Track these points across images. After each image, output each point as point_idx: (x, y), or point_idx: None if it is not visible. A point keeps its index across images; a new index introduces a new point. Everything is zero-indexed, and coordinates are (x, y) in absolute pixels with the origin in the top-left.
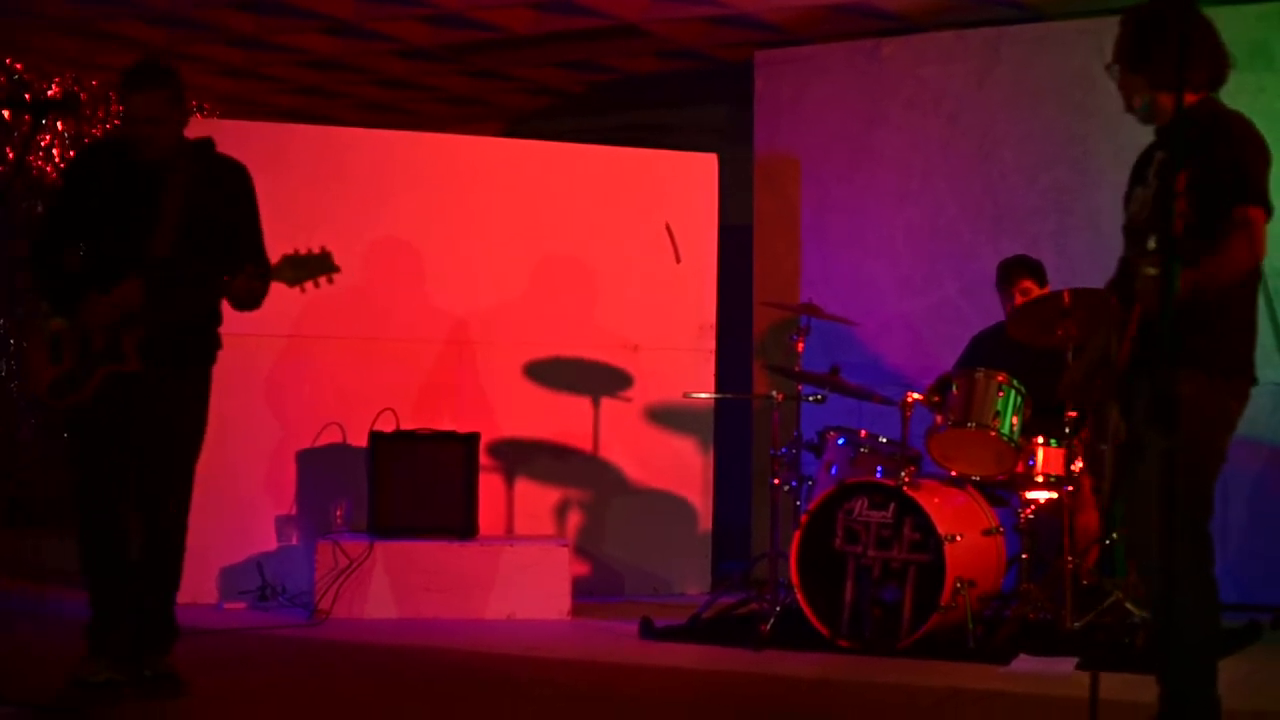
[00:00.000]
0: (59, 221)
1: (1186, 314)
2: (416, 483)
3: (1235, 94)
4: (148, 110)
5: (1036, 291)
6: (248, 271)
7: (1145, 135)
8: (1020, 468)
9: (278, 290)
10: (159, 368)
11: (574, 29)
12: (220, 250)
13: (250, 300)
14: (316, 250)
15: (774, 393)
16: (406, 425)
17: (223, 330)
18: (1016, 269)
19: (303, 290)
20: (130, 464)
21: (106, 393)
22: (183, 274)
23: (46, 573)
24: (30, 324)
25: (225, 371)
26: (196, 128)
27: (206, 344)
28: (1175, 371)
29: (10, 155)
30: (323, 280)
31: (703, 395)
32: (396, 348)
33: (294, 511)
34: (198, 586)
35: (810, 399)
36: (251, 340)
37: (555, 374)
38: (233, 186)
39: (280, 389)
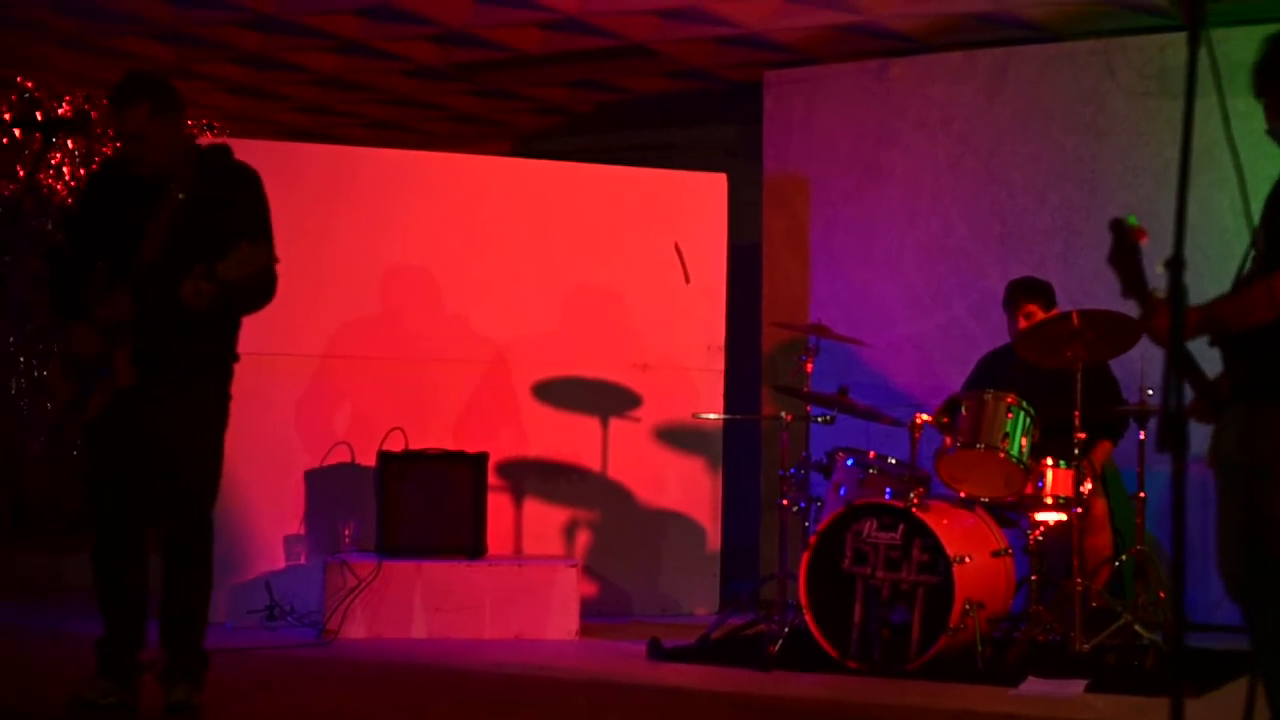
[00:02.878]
0: (70, 242)
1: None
2: (425, 502)
3: (1247, 117)
4: (130, 126)
5: (1041, 314)
6: (194, 273)
7: (1154, 157)
8: (1029, 489)
9: (284, 309)
10: (157, 380)
11: (583, 49)
12: (214, 259)
13: (199, 301)
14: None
15: (783, 413)
16: (415, 445)
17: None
18: (1021, 292)
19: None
20: (143, 484)
21: (113, 409)
22: (173, 285)
23: (54, 587)
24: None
25: (233, 390)
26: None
27: (209, 354)
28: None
29: (21, 173)
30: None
31: (711, 416)
32: (404, 367)
33: (302, 531)
34: None
35: (819, 420)
36: (258, 359)
37: (564, 394)
38: (233, 193)
39: (288, 408)
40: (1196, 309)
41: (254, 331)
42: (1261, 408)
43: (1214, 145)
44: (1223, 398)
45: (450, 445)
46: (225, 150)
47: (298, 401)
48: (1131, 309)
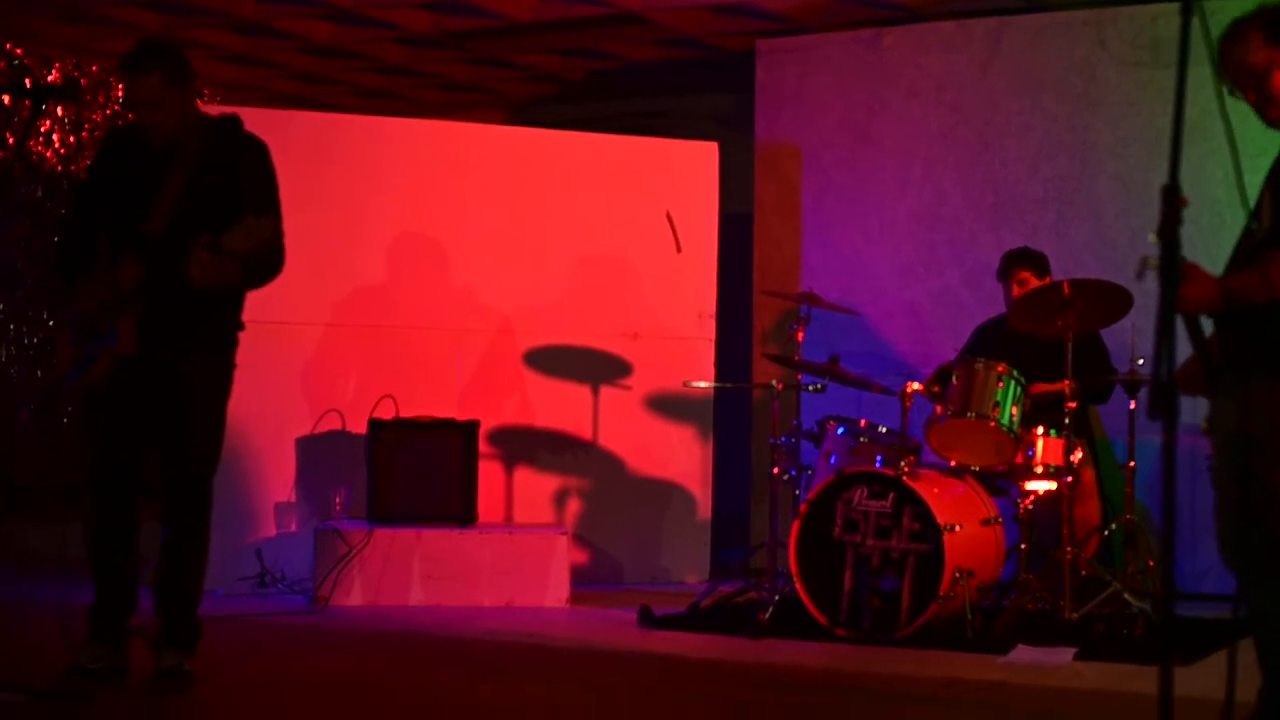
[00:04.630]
0: (79, 207)
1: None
2: (416, 470)
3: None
4: (142, 94)
5: (1035, 283)
6: (199, 243)
7: (1145, 127)
8: (1020, 458)
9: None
10: (162, 350)
11: (575, 16)
12: (221, 229)
13: (205, 274)
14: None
15: (774, 382)
16: (406, 412)
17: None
18: (1014, 260)
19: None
20: (142, 452)
21: (116, 377)
22: (178, 254)
23: (43, 559)
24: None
25: None
26: None
27: (213, 325)
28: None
29: (10, 140)
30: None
31: (702, 384)
32: (395, 335)
33: (293, 498)
34: None
35: (810, 388)
36: (249, 325)
37: (555, 362)
38: (240, 164)
39: (279, 375)
40: (1214, 281)
41: (257, 300)
42: (1261, 381)
43: (1206, 116)
44: (1214, 363)
45: (441, 413)
46: (235, 121)
47: (289, 369)
48: (1123, 279)
